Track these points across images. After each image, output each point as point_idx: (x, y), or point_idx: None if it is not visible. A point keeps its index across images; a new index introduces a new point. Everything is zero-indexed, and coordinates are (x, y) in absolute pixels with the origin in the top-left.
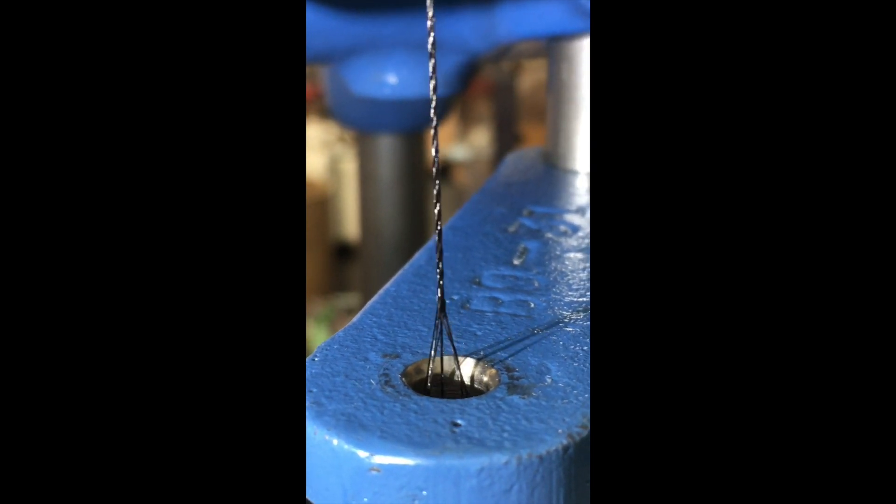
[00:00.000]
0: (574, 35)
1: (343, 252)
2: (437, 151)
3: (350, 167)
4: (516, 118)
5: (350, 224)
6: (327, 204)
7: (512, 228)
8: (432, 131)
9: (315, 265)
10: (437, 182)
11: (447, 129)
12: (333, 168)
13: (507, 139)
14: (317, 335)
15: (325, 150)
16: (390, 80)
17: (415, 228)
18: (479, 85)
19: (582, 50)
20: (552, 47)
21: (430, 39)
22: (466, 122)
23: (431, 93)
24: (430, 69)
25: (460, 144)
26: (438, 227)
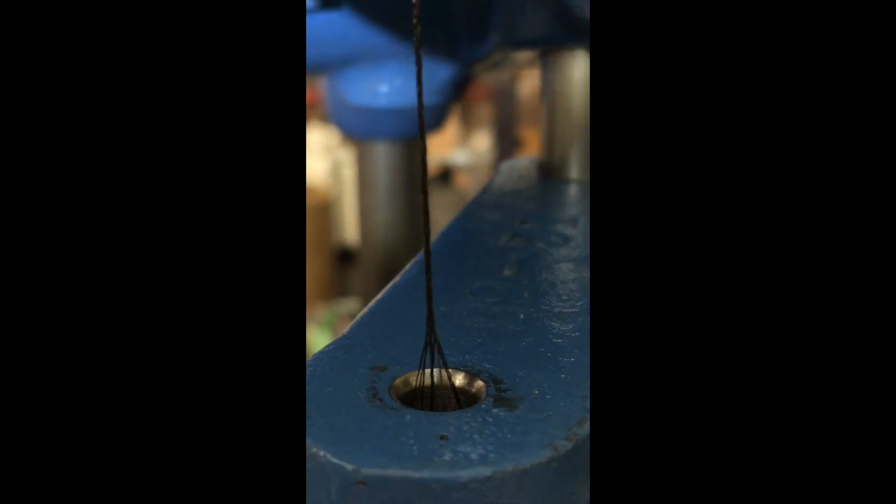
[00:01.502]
0: (565, 46)
1: (345, 257)
2: (424, 170)
3: (352, 172)
4: (517, 122)
5: (352, 229)
6: (329, 209)
7: (504, 238)
8: (429, 141)
9: (317, 270)
10: (427, 202)
11: (448, 134)
12: (335, 173)
13: (507, 143)
14: (318, 340)
15: (327, 155)
16: (386, 89)
17: (414, 234)
18: (480, 89)
19: (574, 60)
20: (545, 58)
21: (416, 43)
22: (467, 127)
23: (419, 110)
24: (417, 82)
25: (461, 148)
26: (427, 244)
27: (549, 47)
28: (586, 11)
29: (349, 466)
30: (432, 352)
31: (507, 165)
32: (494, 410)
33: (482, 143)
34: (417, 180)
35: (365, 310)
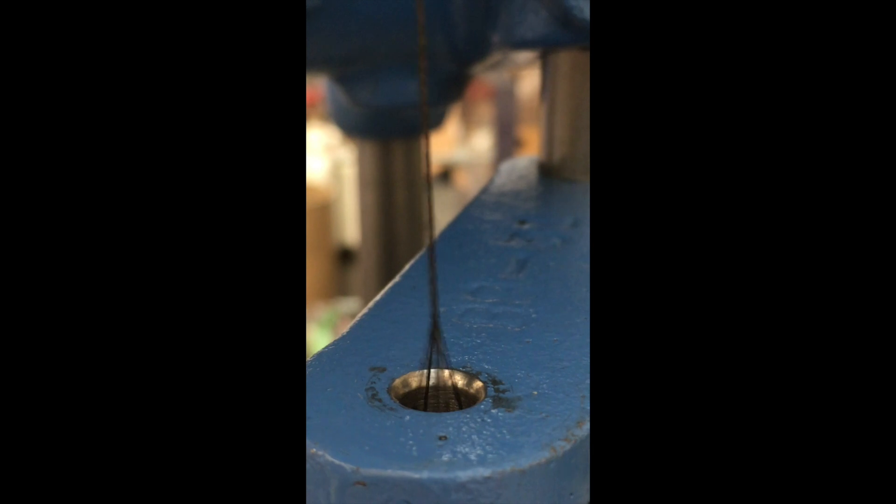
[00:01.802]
0: (565, 46)
1: (346, 256)
2: (429, 167)
3: (353, 171)
4: (517, 122)
5: (353, 228)
6: (330, 208)
7: (505, 239)
8: (427, 143)
9: (318, 269)
10: (431, 204)
11: (448, 133)
12: (336, 172)
13: (507, 143)
14: (318, 340)
15: (327, 155)
16: (386, 88)
17: (414, 233)
18: (480, 89)
19: (574, 60)
20: (545, 58)
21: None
22: (468, 126)
23: (422, 109)
24: (420, 81)
25: (461, 148)
26: (431, 243)
27: (549, 48)
28: (586, 12)
29: (348, 467)
30: (437, 349)
31: (507, 165)
32: (493, 411)
33: (482, 142)
34: (418, 178)
35: (365, 310)
